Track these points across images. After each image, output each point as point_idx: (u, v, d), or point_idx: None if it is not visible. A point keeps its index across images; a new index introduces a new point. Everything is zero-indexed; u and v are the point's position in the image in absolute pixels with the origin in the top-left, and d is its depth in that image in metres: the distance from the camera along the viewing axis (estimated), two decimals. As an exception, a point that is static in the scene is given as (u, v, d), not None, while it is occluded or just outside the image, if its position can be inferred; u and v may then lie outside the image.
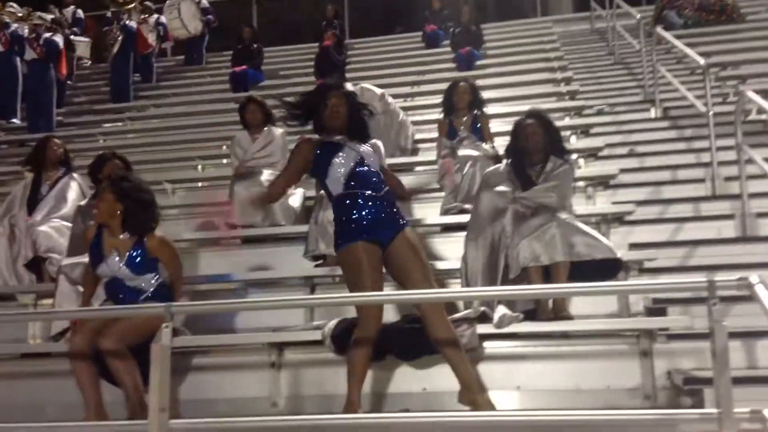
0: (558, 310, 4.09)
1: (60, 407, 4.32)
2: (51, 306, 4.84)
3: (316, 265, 5.30)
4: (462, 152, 5.80)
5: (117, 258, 4.11)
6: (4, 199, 6.36)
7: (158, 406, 2.95)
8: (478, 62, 10.79)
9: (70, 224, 5.30)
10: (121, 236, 4.17)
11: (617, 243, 5.00)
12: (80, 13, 12.52)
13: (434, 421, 3.23)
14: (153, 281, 4.19)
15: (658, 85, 7.99)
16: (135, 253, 4.12)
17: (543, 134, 4.47)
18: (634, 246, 4.94)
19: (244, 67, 11.13)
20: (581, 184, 5.98)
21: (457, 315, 4.02)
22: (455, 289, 4.52)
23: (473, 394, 3.54)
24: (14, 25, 10.78)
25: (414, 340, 3.85)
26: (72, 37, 11.80)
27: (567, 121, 7.76)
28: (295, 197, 6.14)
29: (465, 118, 6.11)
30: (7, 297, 5.48)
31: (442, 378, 3.83)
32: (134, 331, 3.86)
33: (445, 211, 5.77)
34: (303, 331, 4.41)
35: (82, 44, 12.09)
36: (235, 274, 5.23)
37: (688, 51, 7.21)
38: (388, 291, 4.02)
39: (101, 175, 5.16)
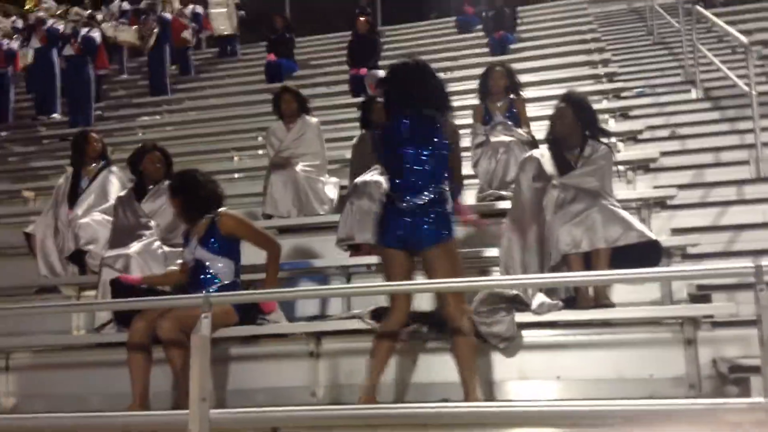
0: (599, 298, 4.02)
1: (103, 397, 4.40)
2: (94, 298, 4.92)
3: (352, 254, 5.29)
4: (496, 138, 5.73)
5: (195, 240, 4.28)
6: (48, 192, 6.52)
7: (199, 395, 2.97)
8: (512, 46, 10.66)
9: (110, 217, 5.38)
10: (200, 223, 4.33)
11: (659, 228, 4.93)
12: (126, 5, 12.65)
13: (471, 411, 3.21)
14: (229, 271, 4.29)
15: (699, 65, 7.79)
16: (210, 232, 4.28)
17: (574, 118, 4.37)
18: (676, 231, 4.83)
19: (277, 57, 11.14)
20: (621, 168, 5.86)
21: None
22: (494, 276, 4.46)
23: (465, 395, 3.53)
24: (50, 21, 10.98)
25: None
26: (116, 26, 11.95)
27: (605, 104, 7.63)
28: (330, 186, 6.15)
29: (500, 103, 6.03)
30: (51, 289, 5.58)
31: (481, 368, 3.81)
32: (192, 319, 3.88)
33: (480, 199, 5.71)
34: (340, 321, 4.42)
35: (128, 31, 12.20)
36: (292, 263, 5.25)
37: (730, 29, 7.02)
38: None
39: (141, 166, 5.22)
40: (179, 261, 4.56)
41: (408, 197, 3.61)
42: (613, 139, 6.33)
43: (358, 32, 10.11)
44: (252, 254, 4.49)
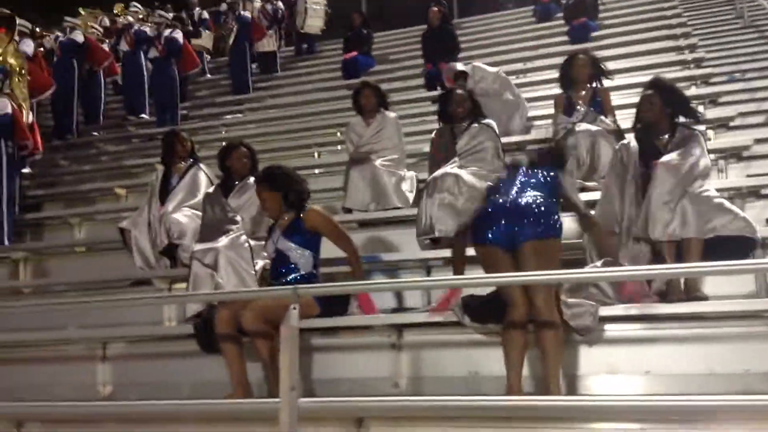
0: (690, 290, 3.89)
1: (194, 386, 4.57)
2: (185, 290, 5.10)
3: (429, 248, 5.29)
4: (581, 127, 5.61)
5: (279, 232, 4.43)
6: (138, 189, 6.79)
7: (289, 385, 3.05)
8: (594, 33, 10.40)
9: (199, 212, 5.56)
10: (285, 216, 4.48)
11: (753, 218, 4.69)
12: (205, 14, 13.03)
13: (557, 405, 3.18)
14: (308, 262, 4.41)
15: (793, 49, 7.42)
16: (294, 225, 4.43)
17: (661, 104, 4.27)
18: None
19: (354, 53, 11.24)
20: (712, 156, 5.64)
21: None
22: (573, 269, 4.36)
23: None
24: (137, 25, 11.42)
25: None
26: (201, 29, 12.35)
27: (693, 90, 7.35)
28: (409, 180, 6.17)
29: (584, 93, 5.89)
30: (144, 282, 5.82)
31: (567, 362, 3.76)
32: (274, 310, 3.95)
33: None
34: (421, 313, 4.44)
35: (206, 35, 12.58)
36: (369, 256, 5.32)
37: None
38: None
39: (228, 163, 5.38)
40: (264, 254, 4.68)
41: None
42: (703, 127, 6.14)
43: (431, 25, 10.05)
44: (333, 248, 4.56)
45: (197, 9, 12.84)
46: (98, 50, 11.10)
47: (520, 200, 3.81)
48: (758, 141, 5.71)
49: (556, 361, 3.59)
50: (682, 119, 4.40)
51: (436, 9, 9.96)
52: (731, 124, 6.35)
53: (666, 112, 4.27)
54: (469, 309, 3.94)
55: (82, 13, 12.31)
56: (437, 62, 9.24)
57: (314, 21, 12.98)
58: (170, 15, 12.07)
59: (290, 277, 4.35)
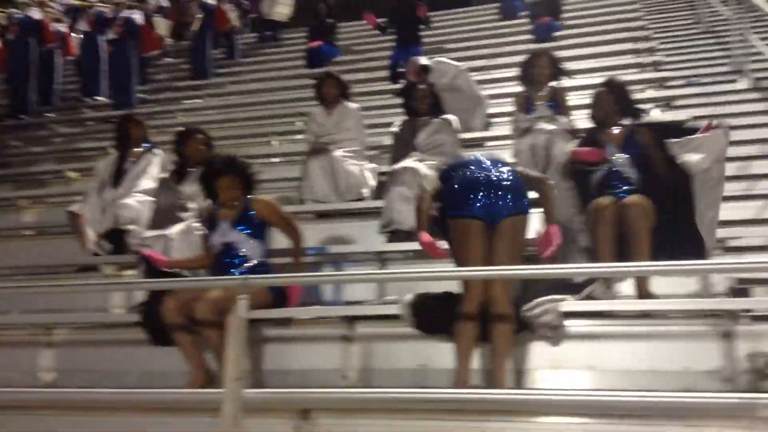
0: (640, 288, 3.98)
1: (140, 375, 4.50)
2: (134, 277, 5.01)
3: (387, 241, 5.30)
4: (537, 127, 5.66)
5: (227, 223, 4.35)
6: (91, 173, 6.62)
7: (234, 375, 3.02)
8: (557, 33, 10.50)
9: (152, 198, 5.47)
10: (230, 205, 4.40)
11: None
12: (164, 1, 12.78)
13: (503, 398, 3.21)
14: (259, 252, 4.37)
15: (748, 55, 7.58)
16: (243, 216, 4.36)
17: (612, 101, 4.51)
18: (718, 223, 4.71)
19: (319, 42, 11.17)
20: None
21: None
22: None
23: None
24: (97, 6, 11.18)
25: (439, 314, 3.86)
26: (155, 16, 12.10)
27: (650, 93, 7.48)
28: (369, 173, 6.16)
29: (543, 92, 5.95)
30: (91, 268, 5.71)
31: (514, 356, 3.80)
32: (228, 301, 3.93)
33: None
34: (375, 306, 4.44)
35: (162, 23, 12.36)
36: (312, 248, 5.29)
37: (782, 18, 6.80)
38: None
39: (184, 149, 5.29)
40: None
41: None
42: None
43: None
44: (279, 240, 4.53)
45: None
46: (47, 31, 10.83)
47: (498, 175, 3.80)
48: (709, 144, 5.80)
49: (504, 355, 3.62)
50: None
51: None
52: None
53: (615, 110, 4.43)
54: (415, 310, 3.96)
55: None
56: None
57: (282, 8, 12.86)
58: None
59: (242, 268, 4.28)
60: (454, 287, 3.95)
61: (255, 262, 4.34)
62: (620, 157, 4.42)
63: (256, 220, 4.38)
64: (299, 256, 4.45)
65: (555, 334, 3.78)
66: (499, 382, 3.57)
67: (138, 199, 5.66)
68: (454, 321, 3.72)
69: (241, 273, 4.24)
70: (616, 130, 4.57)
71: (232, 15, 12.33)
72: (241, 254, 4.34)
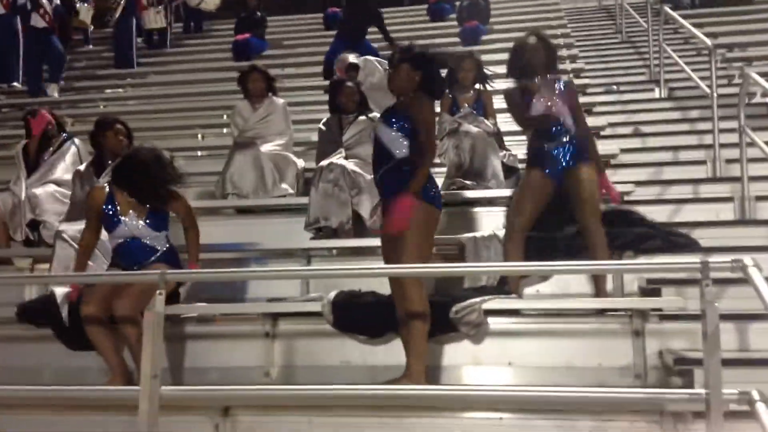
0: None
1: (57, 371, 4.37)
2: (47, 270, 4.84)
3: (312, 238, 5.30)
4: (463, 128, 5.76)
5: (136, 216, 4.18)
6: (4, 162, 6.37)
7: (150, 372, 2.97)
8: (484, 37, 10.69)
9: (65, 189, 5.31)
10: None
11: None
12: None
13: (422, 394, 3.26)
14: (164, 240, 4.26)
15: (664, 65, 7.92)
16: (156, 212, 4.22)
17: (544, 53, 4.41)
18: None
19: (247, 35, 11.03)
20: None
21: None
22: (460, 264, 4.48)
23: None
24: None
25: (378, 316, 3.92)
26: (77, 4, 11.70)
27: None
28: (294, 168, 6.13)
29: (468, 94, 6.05)
30: (4, 261, 5.48)
31: (434, 353, 3.87)
32: (148, 296, 3.84)
33: (446, 187, 5.74)
34: (298, 303, 4.43)
35: (84, 9, 11.95)
36: (235, 244, 5.24)
37: (695, 31, 7.14)
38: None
39: (102, 140, 5.13)
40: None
41: None
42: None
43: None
44: (202, 235, 4.45)
45: None
46: None
47: None
48: (625, 150, 6.06)
49: (420, 353, 3.66)
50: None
51: None
52: (602, 133, 6.70)
53: (546, 61, 4.40)
54: (337, 309, 3.99)
55: None
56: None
57: (208, 5, 12.64)
58: None
59: (152, 258, 4.19)
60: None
61: (163, 249, 4.25)
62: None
63: (164, 211, 4.28)
64: (197, 250, 4.32)
65: (477, 331, 3.86)
66: (416, 380, 3.61)
67: (47, 189, 5.48)
68: (376, 321, 3.74)
69: (152, 262, 4.16)
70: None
71: (158, 16, 12.01)
72: (148, 244, 4.22)
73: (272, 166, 5.98)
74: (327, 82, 8.59)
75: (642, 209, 4.89)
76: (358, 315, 3.99)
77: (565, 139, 4.24)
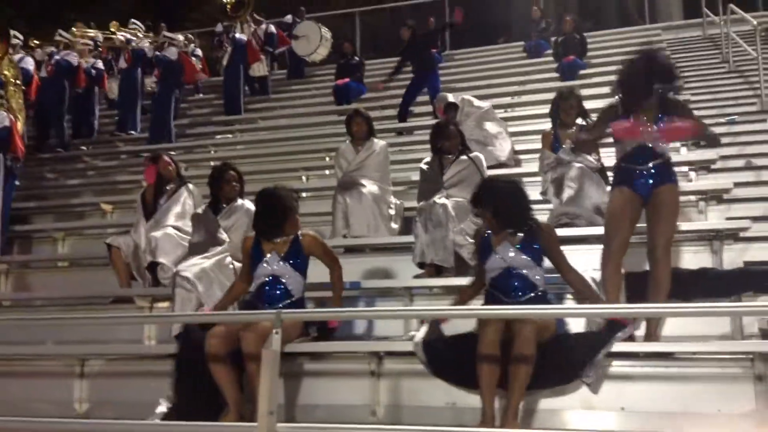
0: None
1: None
2: (166, 310, 5.09)
3: (417, 276, 5.35)
4: (567, 165, 5.70)
5: (276, 256, 4.42)
6: (125, 206, 6.76)
7: (267, 409, 3.06)
8: (582, 71, 10.58)
9: (182, 233, 5.60)
10: (277, 239, 4.47)
11: (732, 261, 4.81)
12: (199, 51, 13.07)
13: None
14: (301, 287, 4.46)
15: (777, 95, 7.59)
16: (293, 249, 4.46)
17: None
18: (750, 264, 4.70)
19: (346, 80, 11.37)
20: (692, 198, 5.76)
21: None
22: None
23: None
24: (135, 42, 11.51)
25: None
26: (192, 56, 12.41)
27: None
28: (393, 208, 6.23)
29: (571, 130, 5.99)
30: (125, 299, 5.81)
31: (544, 395, 3.80)
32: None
33: (554, 222, 5.66)
34: (401, 342, 4.46)
35: (195, 62, 12.66)
36: (351, 282, 5.34)
37: (810, 58, 6.82)
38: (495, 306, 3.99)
39: (218, 185, 5.42)
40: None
41: None
42: (685, 168, 6.27)
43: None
44: (311, 274, 4.59)
45: (192, 45, 12.92)
46: (81, 75, 11.17)
47: None
48: (738, 184, 5.82)
49: (521, 393, 3.62)
50: None
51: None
52: (713, 166, 6.47)
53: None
54: (430, 349, 3.96)
55: (75, 30, 12.35)
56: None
57: (323, 50, 13.19)
58: (180, 37, 12.18)
59: (284, 302, 4.35)
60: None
61: (296, 297, 4.42)
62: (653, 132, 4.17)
63: (304, 253, 4.48)
64: (340, 291, 4.55)
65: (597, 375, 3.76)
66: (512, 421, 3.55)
67: (168, 232, 5.76)
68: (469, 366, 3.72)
69: (283, 308, 4.28)
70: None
71: (260, 65, 12.57)
72: (285, 287, 4.42)
73: (376, 205, 6.10)
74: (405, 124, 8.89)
75: (761, 246, 4.68)
76: (451, 360, 3.94)
77: (651, 164, 4.15)
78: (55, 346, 5.39)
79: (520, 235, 4.09)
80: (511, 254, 4.03)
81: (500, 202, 4.08)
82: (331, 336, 4.46)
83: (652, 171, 4.15)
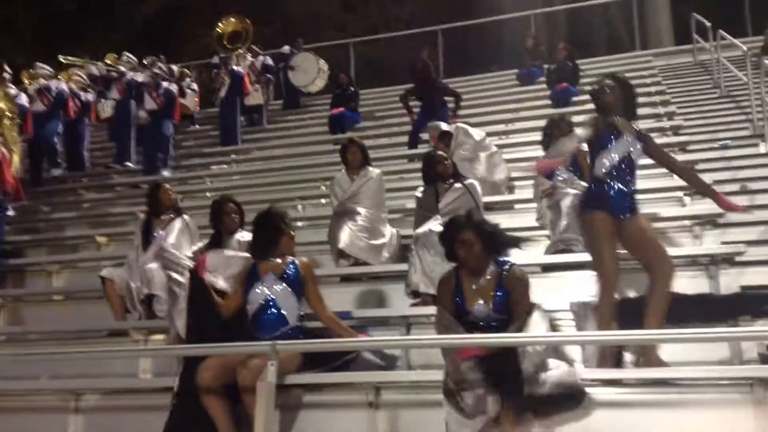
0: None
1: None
2: (162, 342, 5.05)
3: (412, 305, 5.33)
4: (561, 191, 5.73)
5: (272, 276, 4.44)
6: (120, 238, 6.72)
7: (263, 442, 3.04)
8: (575, 98, 10.66)
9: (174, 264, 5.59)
10: (273, 259, 4.50)
11: (727, 285, 4.81)
12: (194, 86, 13.15)
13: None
14: (297, 313, 4.44)
15: (769, 119, 7.64)
16: (289, 270, 4.48)
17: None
18: (746, 289, 4.70)
19: (341, 109, 11.44)
20: (687, 222, 5.77)
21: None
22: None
23: None
24: (130, 74, 11.57)
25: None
26: (187, 89, 12.47)
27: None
28: (388, 236, 6.23)
29: (565, 157, 6.04)
30: (120, 333, 5.77)
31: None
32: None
33: (552, 250, 5.68)
34: (399, 372, 4.43)
35: (190, 95, 12.72)
36: (340, 312, 5.31)
37: (800, 83, 6.89)
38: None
39: (218, 220, 5.44)
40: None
41: None
42: (680, 193, 6.29)
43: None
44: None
45: (188, 79, 13.01)
46: (72, 104, 11.22)
47: None
48: (733, 209, 5.82)
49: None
50: None
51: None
52: (707, 190, 6.48)
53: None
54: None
55: (63, 61, 12.42)
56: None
57: (320, 82, 13.30)
58: (175, 68, 12.25)
59: (281, 330, 4.33)
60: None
61: (291, 325, 4.39)
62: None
63: (299, 276, 4.48)
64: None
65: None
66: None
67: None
68: None
69: (277, 337, 4.23)
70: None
71: (257, 94, 12.67)
72: (280, 311, 4.39)
73: (371, 234, 6.10)
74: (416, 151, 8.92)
75: (756, 270, 4.68)
76: None
77: (626, 189, 4.21)
78: (49, 380, 5.33)
79: (489, 278, 4.12)
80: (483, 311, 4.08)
81: (488, 235, 4.15)
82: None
83: (629, 197, 4.27)
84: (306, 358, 4.21)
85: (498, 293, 4.07)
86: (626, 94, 4.45)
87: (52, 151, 10.85)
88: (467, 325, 4.08)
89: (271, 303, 4.41)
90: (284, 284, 4.43)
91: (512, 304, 4.03)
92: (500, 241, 4.19)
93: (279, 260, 4.54)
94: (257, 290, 4.44)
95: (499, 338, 3.74)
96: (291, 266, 4.52)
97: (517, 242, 4.34)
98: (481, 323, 4.08)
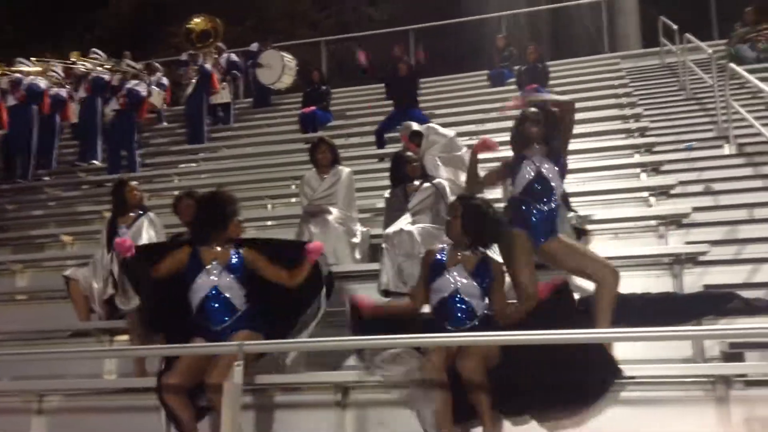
0: None
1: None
2: (126, 343, 4.99)
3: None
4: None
5: (218, 266, 4.31)
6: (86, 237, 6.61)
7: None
8: (545, 99, 10.72)
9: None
10: (218, 247, 4.39)
11: (691, 284, 4.89)
12: (164, 80, 12.96)
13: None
14: (244, 299, 4.33)
15: (732, 121, 7.78)
16: (234, 259, 4.36)
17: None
18: (709, 288, 4.78)
19: (312, 108, 11.39)
20: (652, 223, 5.85)
21: None
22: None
23: None
24: (96, 72, 11.41)
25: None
26: (153, 87, 12.30)
27: (637, 158, 7.63)
28: (358, 236, 6.22)
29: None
30: (84, 333, 5.69)
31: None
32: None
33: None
34: (367, 371, 4.42)
35: (156, 93, 12.55)
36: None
37: (762, 86, 7.02)
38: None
39: (179, 214, 5.38)
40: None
41: None
42: (645, 194, 6.37)
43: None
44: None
45: (158, 73, 12.84)
46: (47, 99, 11.05)
47: None
48: (697, 209, 5.93)
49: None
50: None
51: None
52: (672, 192, 6.59)
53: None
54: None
55: (33, 60, 12.21)
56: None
57: (287, 78, 13.18)
58: (139, 66, 12.09)
59: (231, 318, 4.28)
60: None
61: (240, 311, 4.32)
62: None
63: (245, 263, 4.39)
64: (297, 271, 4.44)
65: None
66: None
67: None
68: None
69: (228, 325, 4.24)
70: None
71: (224, 92, 12.55)
72: (226, 300, 4.30)
73: (341, 232, 6.08)
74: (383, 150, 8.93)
75: (719, 269, 4.76)
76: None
77: (546, 209, 4.35)
78: (12, 381, 5.25)
79: (474, 258, 4.18)
80: (463, 280, 4.08)
81: (473, 218, 4.16)
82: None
83: (549, 219, 4.43)
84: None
85: (480, 268, 4.17)
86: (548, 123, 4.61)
87: (25, 147, 10.66)
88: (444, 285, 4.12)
89: (217, 293, 4.30)
90: (231, 275, 4.33)
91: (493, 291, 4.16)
92: (481, 234, 4.23)
93: (220, 248, 4.41)
94: (201, 280, 4.32)
95: (498, 338, 3.72)
96: (235, 256, 4.40)
97: (498, 240, 4.34)
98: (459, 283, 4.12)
